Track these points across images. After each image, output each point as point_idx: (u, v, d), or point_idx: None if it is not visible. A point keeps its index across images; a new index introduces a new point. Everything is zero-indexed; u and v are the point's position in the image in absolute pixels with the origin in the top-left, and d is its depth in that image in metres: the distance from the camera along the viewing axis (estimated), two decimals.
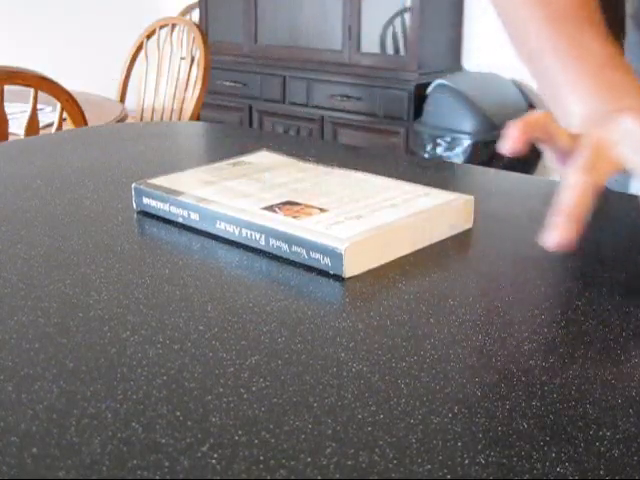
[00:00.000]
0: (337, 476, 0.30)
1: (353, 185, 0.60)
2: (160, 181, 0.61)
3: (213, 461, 0.31)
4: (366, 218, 0.53)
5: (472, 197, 0.58)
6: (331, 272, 0.49)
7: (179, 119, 2.68)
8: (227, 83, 3.68)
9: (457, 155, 3.02)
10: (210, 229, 0.56)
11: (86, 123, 1.87)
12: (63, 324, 0.43)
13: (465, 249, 0.54)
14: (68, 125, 1.90)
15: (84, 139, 0.85)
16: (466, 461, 0.31)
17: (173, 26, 2.97)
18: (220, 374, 0.37)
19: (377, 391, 0.36)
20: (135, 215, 0.60)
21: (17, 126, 1.97)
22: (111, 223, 0.58)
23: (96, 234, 0.56)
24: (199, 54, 2.75)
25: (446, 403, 0.35)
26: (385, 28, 3.30)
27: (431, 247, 0.54)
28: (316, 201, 0.56)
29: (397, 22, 3.26)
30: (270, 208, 0.55)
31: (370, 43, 3.31)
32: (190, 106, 2.62)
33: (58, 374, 0.37)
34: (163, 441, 0.32)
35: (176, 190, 0.59)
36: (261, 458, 0.31)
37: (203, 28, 3.73)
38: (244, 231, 0.54)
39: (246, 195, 0.58)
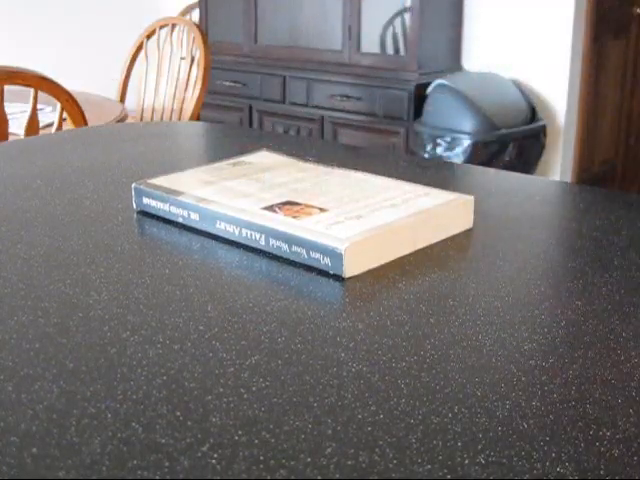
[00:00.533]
0: (337, 476, 0.30)
1: (353, 185, 0.60)
2: (160, 181, 0.61)
3: (213, 461, 0.31)
4: (366, 218, 0.53)
5: (472, 197, 0.58)
6: (331, 272, 0.49)
7: (179, 119, 2.68)
8: (227, 83, 3.68)
9: (457, 155, 3.02)
10: (210, 229, 0.56)
11: (86, 123, 1.87)
12: (63, 324, 0.43)
13: (465, 249, 0.54)
14: (68, 125, 1.90)
15: (84, 139, 0.85)
16: (466, 461, 0.31)
17: (173, 26, 2.97)
18: (220, 374, 0.37)
19: (377, 391, 0.36)
20: (135, 215, 0.60)
21: (17, 126, 1.97)
22: (111, 223, 0.58)
23: (96, 234, 0.56)
24: (199, 54, 2.75)
25: (446, 403, 0.35)
26: (385, 28, 3.30)
27: (431, 247, 0.54)
28: (316, 201, 0.56)
29: (397, 22, 3.26)
30: (270, 208, 0.55)
31: (370, 43, 3.31)
32: (190, 106, 2.62)
33: (58, 374, 0.37)
34: (163, 441, 0.32)
35: (176, 190, 0.59)
36: (261, 458, 0.31)
37: (203, 28, 3.73)
38: (244, 231, 0.54)
39: (246, 195, 0.58)
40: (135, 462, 0.31)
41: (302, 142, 0.84)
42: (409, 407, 0.35)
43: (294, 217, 0.53)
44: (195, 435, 0.33)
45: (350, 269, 0.49)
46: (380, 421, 0.34)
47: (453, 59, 3.42)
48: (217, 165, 0.66)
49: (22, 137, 1.85)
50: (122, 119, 2.24)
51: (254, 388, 0.36)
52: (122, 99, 2.97)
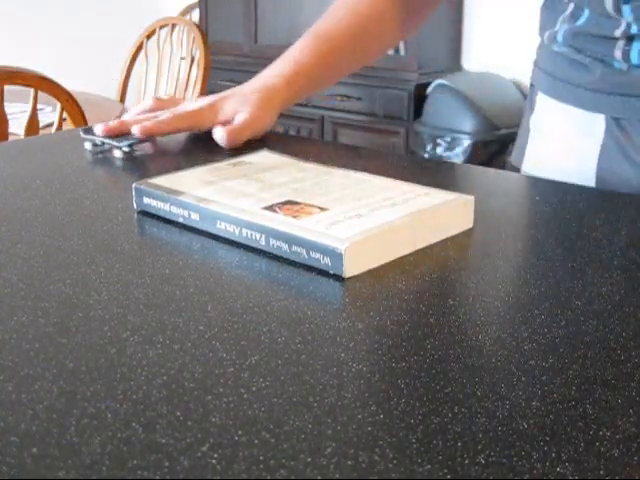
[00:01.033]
0: (337, 476, 0.30)
1: (353, 185, 0.60)
2: (160, 181, 0.61)
3: (213, 461, 0.31)
4: (366, 218, 0.53)
5: (472, 197, 0.58)
6: (331, 272, 0.49)
7: None
8: (227, 83, 3.68)
9: (457, 155, 3.02)
10: (210, 229, 0.56)
11: (86, 123, 1.87)
12: (63, 324, 0.43)
13: (465, 249, 0.54)
14: (68, 125, 1.90)
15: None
16: (466, 461, 0.31)
17: (173, 26, 2.97)
18: (220, 374, 0.37)
19: (377, 391, 0.36)
20: (135, 215, 0.60)
21: (17, 126, 1.97)
22: (111, 223, 0.58)
23: (96, 234, 0.56)
24: (199, 54, 2.75)
25: (446, 403, 0.35)
26: None
27: (431, 247, 0.54)
28: (316, 200, 0.56)
29: None
30: (270, 208, 0.55)
31: None
32: None
33: (58, 374, 0.37)
34: (163, 441, 0.32)
35: (176, 190, 0.59)
36: (261, 458, 0.31)
37: (203, 28, 3.73)
38: (244, 231, 0.54)
39: (246, 195, 0.58)
40: (135, 462, 0.31)
41: (302, 142, 0.84)
42: (409, 407, 0.35)
43: (294, 217, 0.53)
44: (195, 435, 0.33)
45: (350, 269, 0.49)
46: (380, 421, 0.34)
47: (453, 59, 3.42)
48: (217, 165, 0.66)
49: (22, 137, 1.85)
50: None
51: (254, 388, 0.36)
52: (122, 99, 2.97)
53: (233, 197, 0.58)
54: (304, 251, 0.50)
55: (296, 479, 0.30)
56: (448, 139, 3.04)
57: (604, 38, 0.74)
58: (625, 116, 0.75)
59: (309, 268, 0.50)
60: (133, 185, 0.61)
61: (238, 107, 0.81)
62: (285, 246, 0.51)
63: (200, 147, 0.80)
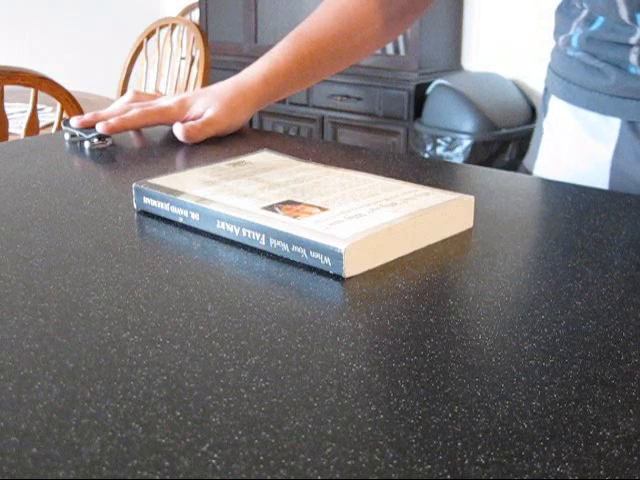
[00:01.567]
0: (337, 476, 0.30)
1: (353, 185, 0.60)
2: (160, 181, 0.61)
3: (213, 461, 0.31)
4: (366, 218, 0.53)
5: (472, 197, 0.58)
6: (331, 272, 0.49)
7: None
8: None
9: (457, 155, 3.02)
10: (210, 229, 0.56)
11: None
12: (63, 324, 0.43)
13: (465, 249, 0.54)
14: None
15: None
16: (466, 461, 0.31)
17: (173, 26, 2.97)
18: (220, 374, 0.37)
19: (377, 391, 0.36)
20: (135, 215, 0.60)
21: (17, 126, 1.97)
22: (111, 223, 0.58)
23: (96, 234, 0.56)
24: (199, 54, 2.75)
25: (446, 403, 0.35)
26: None
27: (431, 247, 0.54)
28: (316, 200, 0.56)
29: None
30: (270, 208, 0.55)
31: None
32: None
33: (58, 374, 0.37)
34: (163, 441, 0.32)
35: (176, 190, 0.59)
36: (261, 458, 0.31)
37: (203, 28, 3.73)
38: (244, 231, 0.54)
39: (246, 195, 0.58)
40: (135, 462, 0.31)
41: (302, 142, 0.84)
42: (409, 407, 0.35)
43: (294, 217, 0.53)
44: (195, 435, 0.33)
45: (350, 269, 0.49)
46: (380, 421, 0.34)
47: (453, 59, 3.42)
48: (217, 165, 0.66)
49: (22, 137, 1.85)
50: None
51: (254, 388, 0.36)
52: None
53: (233, 197, 0.58)
54: (304, 251, 0.50)
55: (296, 479, 0.30)
56: (448, 139, 3.04)
57: (619, 44, 0.74)
58: None
59: (309, 268, 0.50)
60: (133, 185, 0.61)
61: (209, 104, 0.83)
62: (285, 246, 0.51)
63: (200, 147, 0.80)
